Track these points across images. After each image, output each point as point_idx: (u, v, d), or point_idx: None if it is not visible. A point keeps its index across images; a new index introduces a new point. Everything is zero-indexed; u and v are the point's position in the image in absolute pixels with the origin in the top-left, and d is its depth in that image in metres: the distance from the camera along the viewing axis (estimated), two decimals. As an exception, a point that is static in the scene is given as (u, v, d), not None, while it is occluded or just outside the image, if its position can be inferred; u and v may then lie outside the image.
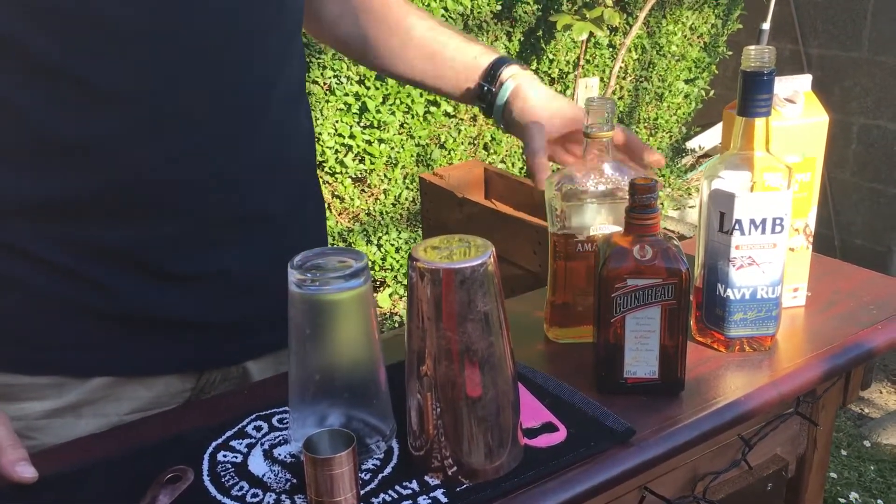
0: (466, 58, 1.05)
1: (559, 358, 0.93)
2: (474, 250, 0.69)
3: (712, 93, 3.66)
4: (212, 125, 0.84)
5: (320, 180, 2.02)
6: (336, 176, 2.59)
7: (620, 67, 3.04)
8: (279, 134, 0.91)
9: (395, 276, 2.85)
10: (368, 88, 2.49)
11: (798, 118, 0.92)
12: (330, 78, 2.44)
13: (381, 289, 2.86)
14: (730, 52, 3.56)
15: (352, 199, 2.65)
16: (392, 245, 2.81)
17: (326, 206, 2.63)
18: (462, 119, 2.77)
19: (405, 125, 2.62)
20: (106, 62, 0.78)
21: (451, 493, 0.70)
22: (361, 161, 2.60)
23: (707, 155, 4.09)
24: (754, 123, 0.85)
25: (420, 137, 2.66)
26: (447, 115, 2.70)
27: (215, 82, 0.83)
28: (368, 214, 2.72)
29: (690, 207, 3.76)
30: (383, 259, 2.80)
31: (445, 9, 2.52)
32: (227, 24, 0.83)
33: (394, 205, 2.76)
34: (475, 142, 2.84)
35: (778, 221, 0.86)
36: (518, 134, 1.03)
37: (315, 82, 2.40)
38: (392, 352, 0.82)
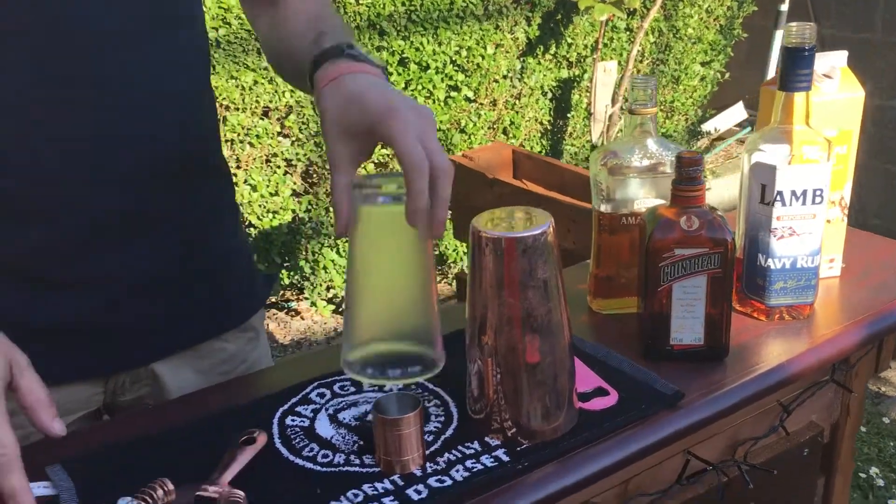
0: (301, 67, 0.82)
1: (603, 328, 0.96)
2: (535, 220, 0.72)
3: (727, 75, 3.68)
4: (89, 126, 0.81)
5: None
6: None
7: (638, 51, 3.06)
8: (164, 134, 0.87)
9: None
10: (391, 75, 2.52)
11: (835, 93, 0.95)
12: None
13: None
14: (745, 35, 3.57)
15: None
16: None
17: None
18: (482, 104, 2.79)
19: (426, 110, 2.64)
20: None
21: (512, 453, 0.74)
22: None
23: (721, 137, 4.10)
24: (794, 98, 0.88)
25: (441, 122, 2.68)
26: (468, 99, 2.73)
27: (92, 87, 0.80)
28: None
29: (708, 189, 3.78)
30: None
31: (466, -6, 2.54)
32: (95, 27, 0.80)
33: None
34: (494, 126, 2.86)
35: (818, 193, 0.88)
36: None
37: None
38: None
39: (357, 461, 0.73)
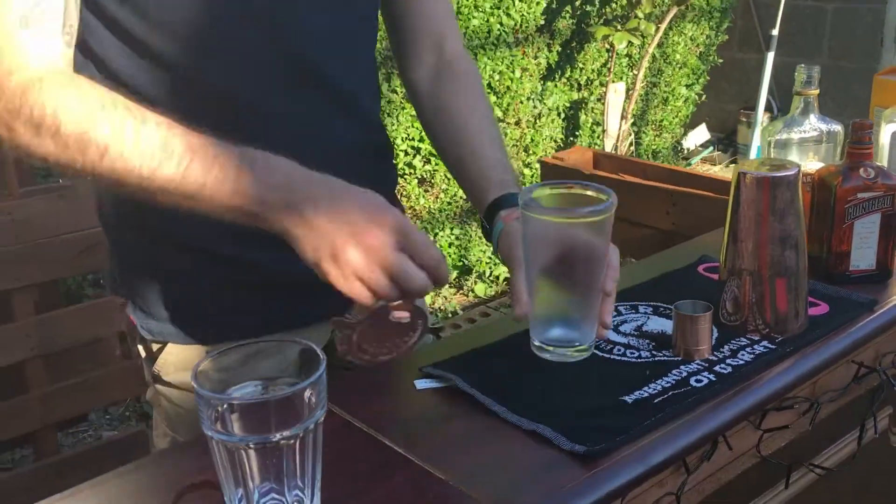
0: (478, 188, 1.04)
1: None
2: (786, 166, 0.96)
3: (704, 97, 4.04)
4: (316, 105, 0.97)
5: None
6: (405, 177, 2.83)
7: (634, 74, 3.38)
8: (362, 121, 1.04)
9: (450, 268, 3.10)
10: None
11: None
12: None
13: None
14: (720, 60, 3.95)
15: (416, 199, 2.90)
16: (446, 240, 3.06)
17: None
18: (508, 123, 3.05)
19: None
20: (225, 75, 0.91)
21: (774, 343, 0.96)
22: (427, 162, 2.85)
23: (686, 158, 4.46)
24: (924, 80, 1.15)
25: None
26: (498, 119, 2.98)
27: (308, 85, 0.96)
28: (429, 212, 2.97)
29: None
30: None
31: (501, 23, 2.81)
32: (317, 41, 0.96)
33: (449, 203, 3.01)
34: (518, 143, 3.12)
35: (946, 151, 1.16)
36: (507, 265, 0.99)
37: (394, 91, 2.65)
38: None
39: (660, 354, 0.95)
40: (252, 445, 0.65)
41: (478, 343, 0.98)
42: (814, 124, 1.18)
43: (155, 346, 1.04)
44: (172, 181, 0.79)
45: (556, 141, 3.28)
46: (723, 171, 4.26)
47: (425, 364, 0.93)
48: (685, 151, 4.41)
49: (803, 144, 1.19)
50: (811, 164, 1.18)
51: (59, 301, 2.04)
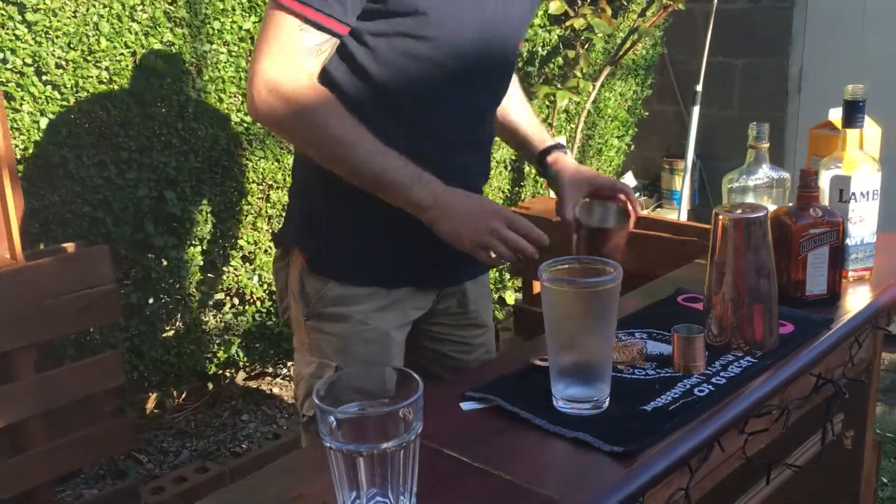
0: (527, 146, 1.58)
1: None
2: (755, 209, 1.15)
3: (633, 147, 4.33)
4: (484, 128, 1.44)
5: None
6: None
7: (572, 127, 3.63)
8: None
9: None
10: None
11: (867, 128, 1.46)
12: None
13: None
14: (646, 114, 4.25)
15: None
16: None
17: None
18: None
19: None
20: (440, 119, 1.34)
21: (755, 357, 1.14)
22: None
23: (635, 189, 4.74)
24: (854, 133, 1.37)
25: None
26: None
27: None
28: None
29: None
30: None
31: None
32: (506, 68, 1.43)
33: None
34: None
35: (874, 192, 1.37)
36: (555, 191, 1.51)
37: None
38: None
39: (664, 371, 1.12)
40: (364, 453, 0.78)
41: (509, 366, 1.13)
42: (766, 172, 1.39)
43: (318, 284, 1.36)
44: (374, 165, 1.22)
45: (503, 191, 3.48)
46: (652, 214, 4.55)
47: (468, 389, 1.07)
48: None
49: (758, 189, 1.39)
50: (770, 206, 1.38)
51: (53, 359, 2.09)
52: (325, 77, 1.27)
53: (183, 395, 2.88)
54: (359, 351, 1.35)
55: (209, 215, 2.43)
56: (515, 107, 1.57)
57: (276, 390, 3.07)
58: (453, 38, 1.27)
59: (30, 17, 1.94)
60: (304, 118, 1.21)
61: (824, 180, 1.40)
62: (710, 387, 1.07)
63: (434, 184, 1.25)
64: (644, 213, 4.45)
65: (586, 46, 3.15)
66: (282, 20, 1.19)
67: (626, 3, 3.49)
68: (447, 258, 1.33)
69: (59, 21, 1.99)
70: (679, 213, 4.02)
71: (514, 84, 1.55)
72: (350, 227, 1.36)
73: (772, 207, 1.37)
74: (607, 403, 1.03)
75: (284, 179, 2.55)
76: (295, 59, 1.20)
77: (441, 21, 1.24)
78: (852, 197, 1.37)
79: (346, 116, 1.22)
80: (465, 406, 1.05)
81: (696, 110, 3.61)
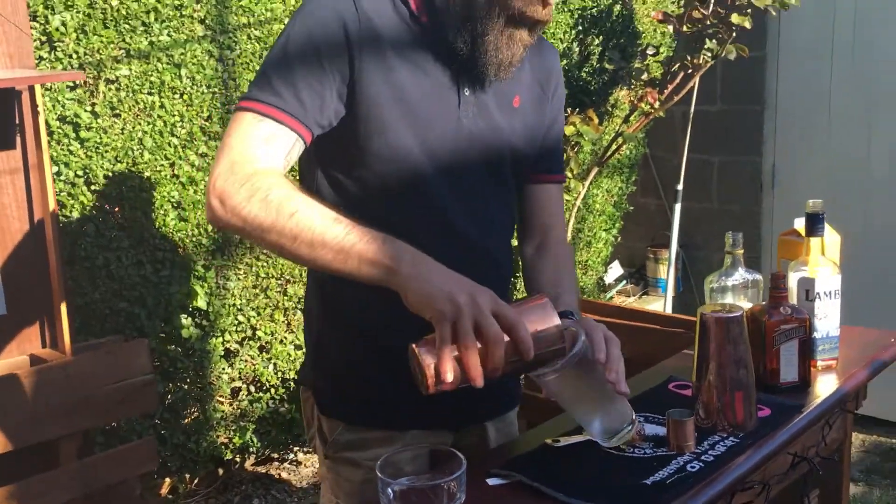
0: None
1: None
2: (733, 309, 1.35)
3: (619, 239, 4.58)
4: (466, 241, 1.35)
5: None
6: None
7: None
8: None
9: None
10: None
11: (827, 236, 1.68)
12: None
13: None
14: (631, 208, 4.52)
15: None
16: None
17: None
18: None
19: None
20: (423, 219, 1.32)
21: (738, 437, 1.32)
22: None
23: (619, 280, 4.95)
24: (816, 240, 1.59)
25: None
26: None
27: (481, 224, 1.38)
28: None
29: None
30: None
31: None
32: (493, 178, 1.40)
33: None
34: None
35: (836, 292, 1.58)
36: None
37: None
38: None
39: (660, 451, 1.29)
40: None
41: (529, 445, 1.31)
42: (741, 274, 1.60)
43: (331, 425, 1.38)
44: (336, 237, 1.11)
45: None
46: (638, 303, 4.76)
47: (493, 466, 1.24)
48: (606, 286, 4.91)
49: (735, 289, 1.60)
50: (743, 305, 1.58)
51: (86, 445, 2.23)
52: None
53: (196, 481, 3.00)
54: (374, 499, 1.16)
55: (231, 308, 2.61)
56: (555, 277, 1.48)
57: (284, 475, 3.19)
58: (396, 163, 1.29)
59: (83, 134, 2.17)
60: (255, 225, 1.14)
61: (793, 281, 1.61)
62: (700, 464, 1.25)
63: (409, 246, 1.12)
64: (631, 301, 4.63)
65: (576, 150, 3.42)
66: (241, 118, 1.22)
67: (610, 110, 3.78)
68: (465, 397, 1.14)
69: (108, 137, 2.22)
70: (665, 301, 4.23)
71: (565, 268, 1.51)
72: (355, 364, 1.36)
73: (747, 305, 1.58)
74: (634, 415, 1.26)
75: (300, 274, 2.75)
76: (248, 151, 1.18)
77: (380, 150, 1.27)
78: (817, 296, 1.58)
79: (297, 198, 1.14)
80: (491, 482, 1.22)
81: (678, 207, 3.87)
